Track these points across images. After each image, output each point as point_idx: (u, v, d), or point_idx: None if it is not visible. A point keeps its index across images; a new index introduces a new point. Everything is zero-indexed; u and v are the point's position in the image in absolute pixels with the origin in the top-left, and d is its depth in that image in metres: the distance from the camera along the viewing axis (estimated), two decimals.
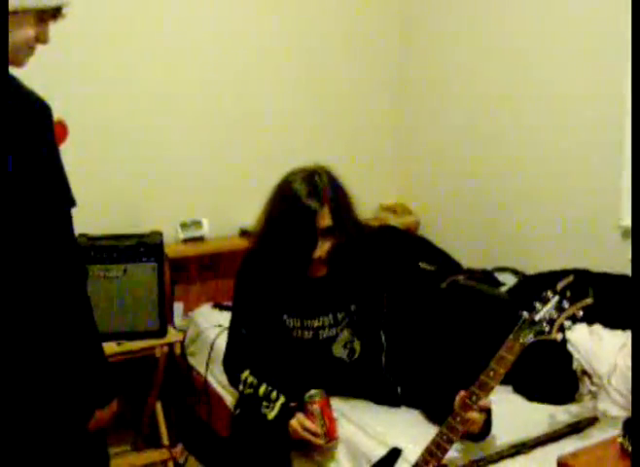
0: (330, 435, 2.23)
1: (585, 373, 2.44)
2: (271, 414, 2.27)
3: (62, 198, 1.73)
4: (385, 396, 2.43)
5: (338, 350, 2.44)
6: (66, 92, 2.92)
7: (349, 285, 2.41)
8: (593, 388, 2.41)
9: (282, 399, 2.29)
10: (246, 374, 2.39)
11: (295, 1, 3.66)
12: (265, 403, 2.30)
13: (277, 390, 2.31)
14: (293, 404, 2.29)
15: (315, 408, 2.22)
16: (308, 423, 2.21)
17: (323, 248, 2.30)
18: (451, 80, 3.69)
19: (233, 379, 2.47)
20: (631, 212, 1.96)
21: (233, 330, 2.54)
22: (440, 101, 3.79)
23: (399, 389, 2.41)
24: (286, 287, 2.43)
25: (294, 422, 2.23)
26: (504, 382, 2.32)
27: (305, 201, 2.26)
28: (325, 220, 2.28)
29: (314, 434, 2.21)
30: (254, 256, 2.49)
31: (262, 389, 2.33)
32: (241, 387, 2.39)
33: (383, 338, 2.43)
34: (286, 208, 2.30)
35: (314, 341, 2.44)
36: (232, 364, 2.50)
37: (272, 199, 2.37)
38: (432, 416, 2.28)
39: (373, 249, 2.46)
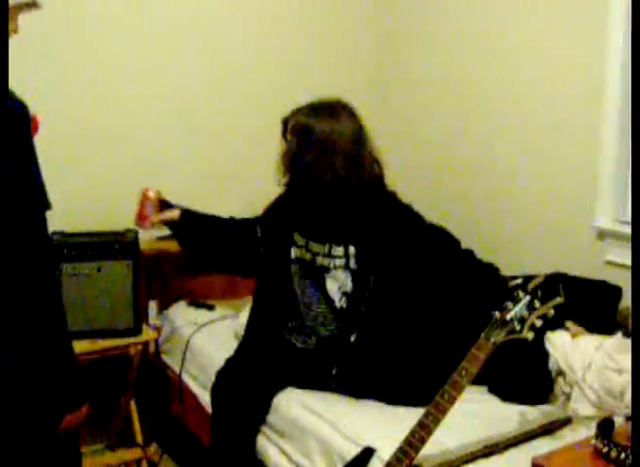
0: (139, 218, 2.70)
1: (560, 374, 2.46)
2: None
3: (38, 201, 1.71)
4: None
5: (331, 287, 2.53)
6: (38, 89, 2.88)
7: (350, 222, 2.51)
8: (567, 389, 2.42)
9: None
10: None
11: None
12: None
13: None
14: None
15: (149, 194, 2.67)
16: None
17: None
18: (434, 80, 3.69)
19: None
20: (631, 213, 1.97)
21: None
22: (422, 95, 3.78)
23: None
24: (302, 205, 2.59)
25: None
26: (479, 383, 2.35)
27: None
28: None
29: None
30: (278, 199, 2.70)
31: None
32: None
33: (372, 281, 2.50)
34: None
35: (312, 265, 2.55)
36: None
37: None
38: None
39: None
